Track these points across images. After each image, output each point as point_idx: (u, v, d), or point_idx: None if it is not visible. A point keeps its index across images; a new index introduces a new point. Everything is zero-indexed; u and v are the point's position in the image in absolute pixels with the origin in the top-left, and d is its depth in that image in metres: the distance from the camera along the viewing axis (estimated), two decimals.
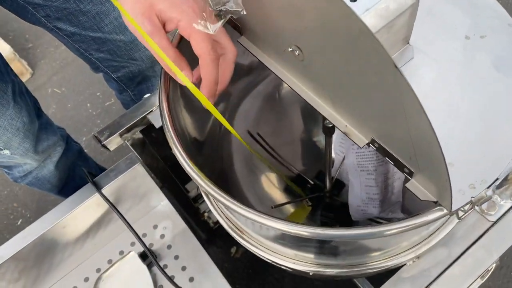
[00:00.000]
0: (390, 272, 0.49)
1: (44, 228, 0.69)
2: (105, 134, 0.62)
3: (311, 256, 0.48)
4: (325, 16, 0.31)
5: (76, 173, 0.99)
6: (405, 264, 0.48)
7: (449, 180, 0.32)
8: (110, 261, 0.78)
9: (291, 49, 0.38)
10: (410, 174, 0.35)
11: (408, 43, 0.42)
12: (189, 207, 0.90)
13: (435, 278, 0.46)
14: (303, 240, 0.45)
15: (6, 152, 0.78)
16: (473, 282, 0.46)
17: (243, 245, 0.52)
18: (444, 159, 0.30)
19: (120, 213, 0.70)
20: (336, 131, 0.56)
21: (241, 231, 0.52)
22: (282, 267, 0.51)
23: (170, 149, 0.44)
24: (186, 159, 0.42)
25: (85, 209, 0.72)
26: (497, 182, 0.38)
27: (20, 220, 1.29)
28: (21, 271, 0.71)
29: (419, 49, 0.42)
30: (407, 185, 0.36)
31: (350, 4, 0.35)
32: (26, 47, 1.62)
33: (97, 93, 1.49)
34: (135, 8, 0.38)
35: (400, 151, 0.35)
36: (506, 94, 0.40)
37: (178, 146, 0.42)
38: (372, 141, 0.37)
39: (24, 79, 1.54)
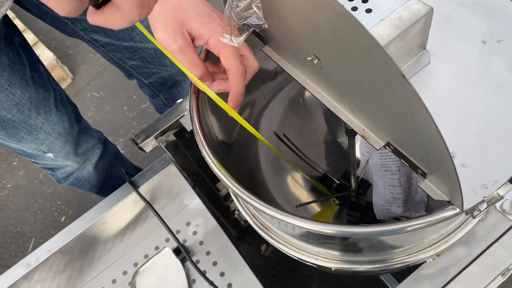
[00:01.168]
0: (410, 269, 0.51)
1: (86, 225, 0.75)
2: (142, 137, 0.66)
3: (333, 252, 0.50)
4: (338, 30, 0.34)
5: (114, 173, 1.05)
6: (425, 261, 0.50)
7: (459, 181, 0.34)
8: (146, 256, 0.83)
9: (310, 58, 0.41)
10: (424, 175, 0.37)
11: (425, 49, 0.43)
12: (220, 205, 0.94)
13: (454, 276, 0.48)
14: (325, 237, 0.48)
15: (50, 155, 0.85)
16: (493, 280, 0.47)
17: (270, 242, 0.55)
18: (453, 162, 0.32)
19: (155, 211, 0.74)
20: None
21: (267, 229, 0.55)
22: (307, 263, 0.53)
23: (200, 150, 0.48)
24: (215, 162, 0.45)
25: (123, 207, 0.77)
26: None
27: (64, 217, 1.38)
28: (67, 264, 0.77)
29: (435, 54, 0.44)
30: (421, 185, 0.38)
31: (363, 17, 0.38)
32: (67, 54, 1.71)
33: (133, 97, 1.56)
34: (167, 24, 0.42)
35: (413, 153, 0.37)
36: None
37: (208, 150, 0.45)
38: (388, 144, 0.39)
39: (65, 84, 1.63)
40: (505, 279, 0.49)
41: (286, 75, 0.47)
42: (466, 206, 0.35)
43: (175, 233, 0.78)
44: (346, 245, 0.47)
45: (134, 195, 0.76)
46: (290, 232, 0.52)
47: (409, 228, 0.37)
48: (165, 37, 0.43)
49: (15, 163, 1.51)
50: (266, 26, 0.40)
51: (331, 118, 0.70)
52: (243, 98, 0.48)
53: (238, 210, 1.00)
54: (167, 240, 0.83)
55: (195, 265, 0.76)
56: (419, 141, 0.35)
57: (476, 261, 0.48)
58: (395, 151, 0.39)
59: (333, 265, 0.50)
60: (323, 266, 0.51)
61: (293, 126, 0.68)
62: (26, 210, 1.40)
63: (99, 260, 0.82)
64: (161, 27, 0.43)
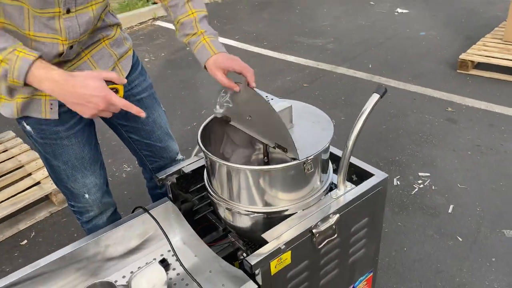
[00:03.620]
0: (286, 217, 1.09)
1: (100, 233, 1.24)
2: (161, 175, 1.27)
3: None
4: (258, 105, 1.05)
5: None
6: (296, 212, 1.10)
7: (297, 153, 1.01)
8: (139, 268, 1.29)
9: (248, 117, 1.12)
10: (286, 151, 1.04)
11: (292, 122, 1.16)
12: None
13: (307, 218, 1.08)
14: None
15: (87, 196, 1.38)
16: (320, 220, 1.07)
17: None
18: (295, 146, 1.00)
19: (160, 226, 1.27)
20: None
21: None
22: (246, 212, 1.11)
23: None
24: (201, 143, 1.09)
25: (131, 225, 1.28)
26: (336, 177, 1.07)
27: None
28: (83, 267, 1.22)
29: (295, 125, 1.16)
30: (287, 155, 1.04)
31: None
32: None
33: None
34: (217, 68, 1.15)
35: (283, 144, 1.04)
36: (326, 132, 1.11)
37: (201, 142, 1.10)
38: (275, 144, 1.07)
39: None
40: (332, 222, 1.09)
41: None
42: (301, 158, 1.01)
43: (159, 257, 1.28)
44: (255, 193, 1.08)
45: (142, 217, 1.30)
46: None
47: (280, 167, 1.02)
48: (216, 74, 1.13)
49: (16, 253, 1.90)
50: (231, 105, 1.12)
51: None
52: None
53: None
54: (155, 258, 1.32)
55: (180, 262, 1.25)
56: (284, 138, 1.03)
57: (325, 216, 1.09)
58: (277, 146, 1.06)
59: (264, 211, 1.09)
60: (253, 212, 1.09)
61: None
62: None
63: (108, 264, 1.27)
64: (215, 72, 1.13)
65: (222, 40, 4.41)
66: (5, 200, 2.06)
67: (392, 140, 2.57)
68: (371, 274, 1.44)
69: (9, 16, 0.99)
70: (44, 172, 2.22)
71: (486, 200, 2.06)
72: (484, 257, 1.76)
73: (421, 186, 2.19)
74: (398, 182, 2.22)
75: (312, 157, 1.04)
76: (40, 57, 0.95)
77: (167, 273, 1.26)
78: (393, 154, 2.45)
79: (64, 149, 1.26)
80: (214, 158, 1.07)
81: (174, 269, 1.29)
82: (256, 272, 1.00)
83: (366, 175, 1.25)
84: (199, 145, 1.13)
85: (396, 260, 1.78)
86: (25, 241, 2.00)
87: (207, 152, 1.09)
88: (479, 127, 2.65)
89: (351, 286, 1.38)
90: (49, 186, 2.14)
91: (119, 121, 1.38)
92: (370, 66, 3.58)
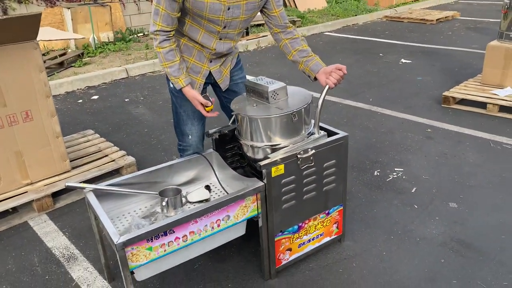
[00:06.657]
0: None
1: (173, 162, 2.04)
2: (213, 131, 2.07)
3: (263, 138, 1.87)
4: None
5: None
6: (288, 146, 1.86)
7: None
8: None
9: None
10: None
11: (287, 95, 1.96)
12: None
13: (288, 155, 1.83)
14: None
15: (190, 137, 2.19)
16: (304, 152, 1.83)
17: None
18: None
19: (211, 164, 2.05)
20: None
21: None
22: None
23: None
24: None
25: (189, 161, 2.08)
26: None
27: None
28: (160, 187, 2.02)
29: (289, 97, 1.96)
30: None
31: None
32: (143, 160, 3.11)
33: None
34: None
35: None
36: (307, 100, 1.90)
37: None
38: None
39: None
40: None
41: None
42: (289, 111, 1.80)
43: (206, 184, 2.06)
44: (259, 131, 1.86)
45: (197, 158, 2.09)
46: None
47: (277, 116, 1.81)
48: (321, 78, 1.99)
49: None
50: None
51: None
52: None
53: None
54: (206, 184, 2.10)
55: (219, 181, 2.03)
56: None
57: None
58: None
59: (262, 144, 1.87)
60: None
61: None
62: None
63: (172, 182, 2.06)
64: (322, 77, 2.00)
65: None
66: (93, 168, 2.90)
67: (379, 148, 3.31)
68: (341, 207, 2.15)
69: (190, 32, 1.93)
70: (118, 153, 3.08)
71: (442, 186, 2.75)
72: (430, 216, 2.44)
73: (395, 176, 2.90)
74: (378, 173, 2.94)
75: (296, 110, 1.82)
76: (187, 85, 1.96)
77: (210, 193, 2.04)
78: (378, 156, 3.18)
79: (187, 103, 2.08)
80: (241, 112, 1.88)
81: (214, 191, 2.06)
82: (263, 171, 1.77)
83: (334, 134, 2.02)
84: (232, 108, 1.94)
85: (367, 217, 2.48)
86: None
87: (235, 109, 1.90)
88: (449, 142, 3.36)
89: (327, 211, 2.10)
90: (122, 162, 2.98)
91: (223, 94, 2.25)
92: (370, 99, 4.38)
